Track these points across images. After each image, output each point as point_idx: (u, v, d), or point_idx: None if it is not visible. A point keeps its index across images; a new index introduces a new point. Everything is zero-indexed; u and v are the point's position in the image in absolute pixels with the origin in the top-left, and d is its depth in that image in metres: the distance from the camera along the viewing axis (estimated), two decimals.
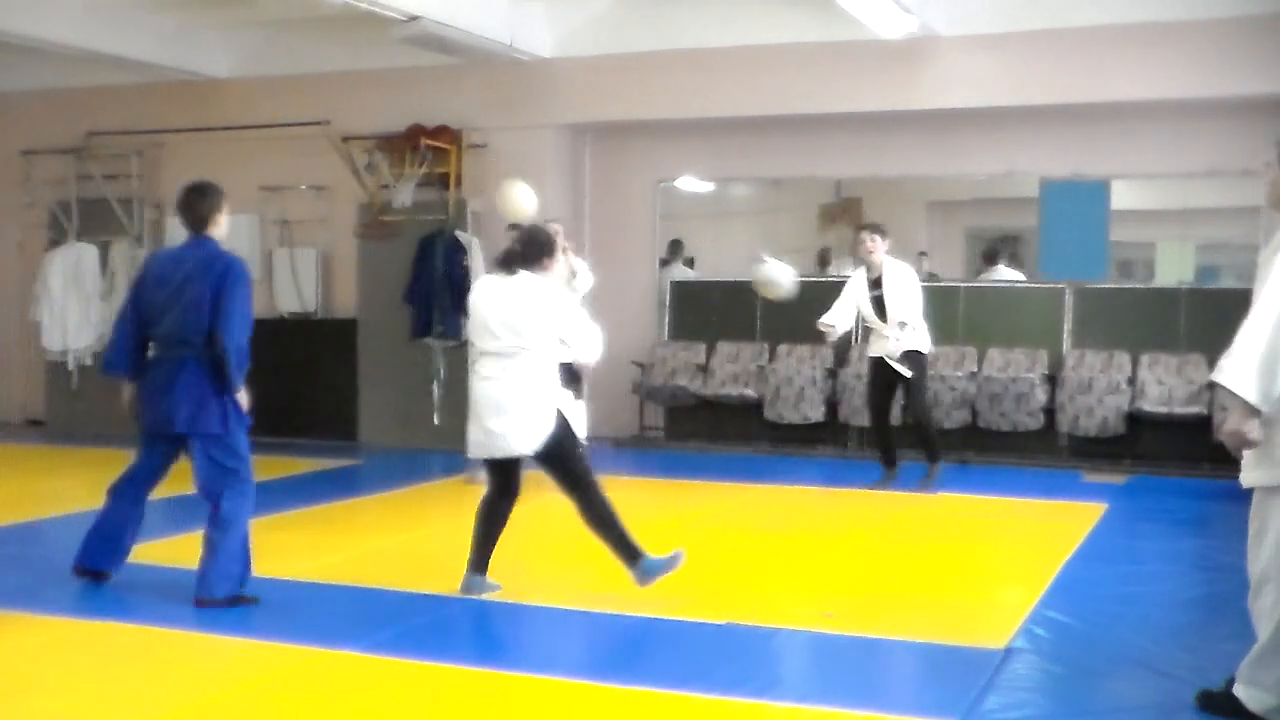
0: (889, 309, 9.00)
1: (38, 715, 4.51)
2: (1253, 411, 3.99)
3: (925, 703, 4.56)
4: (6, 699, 4.63)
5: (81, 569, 6.17)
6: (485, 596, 5.94)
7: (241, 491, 5.86)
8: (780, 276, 8.39)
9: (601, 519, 5.86)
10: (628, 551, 5.84)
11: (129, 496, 6.15)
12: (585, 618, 5.79)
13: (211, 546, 5.80)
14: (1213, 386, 10.09)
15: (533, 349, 5.76)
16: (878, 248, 9.07)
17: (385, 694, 4.69)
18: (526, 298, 5.79)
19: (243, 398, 5.79)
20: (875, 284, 9.09)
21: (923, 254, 11.72)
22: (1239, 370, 4.00)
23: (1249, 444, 4.04)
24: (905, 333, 8.99)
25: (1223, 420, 9.81)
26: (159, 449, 6.03)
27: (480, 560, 5.98)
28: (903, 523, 8.18)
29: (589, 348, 6.04)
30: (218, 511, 5.81)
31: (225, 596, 5.74)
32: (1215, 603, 5.90)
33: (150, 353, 5.95)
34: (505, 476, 5.99)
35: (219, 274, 5.72)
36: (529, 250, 5.91)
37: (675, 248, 12.43)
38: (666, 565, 5.88)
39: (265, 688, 4.78)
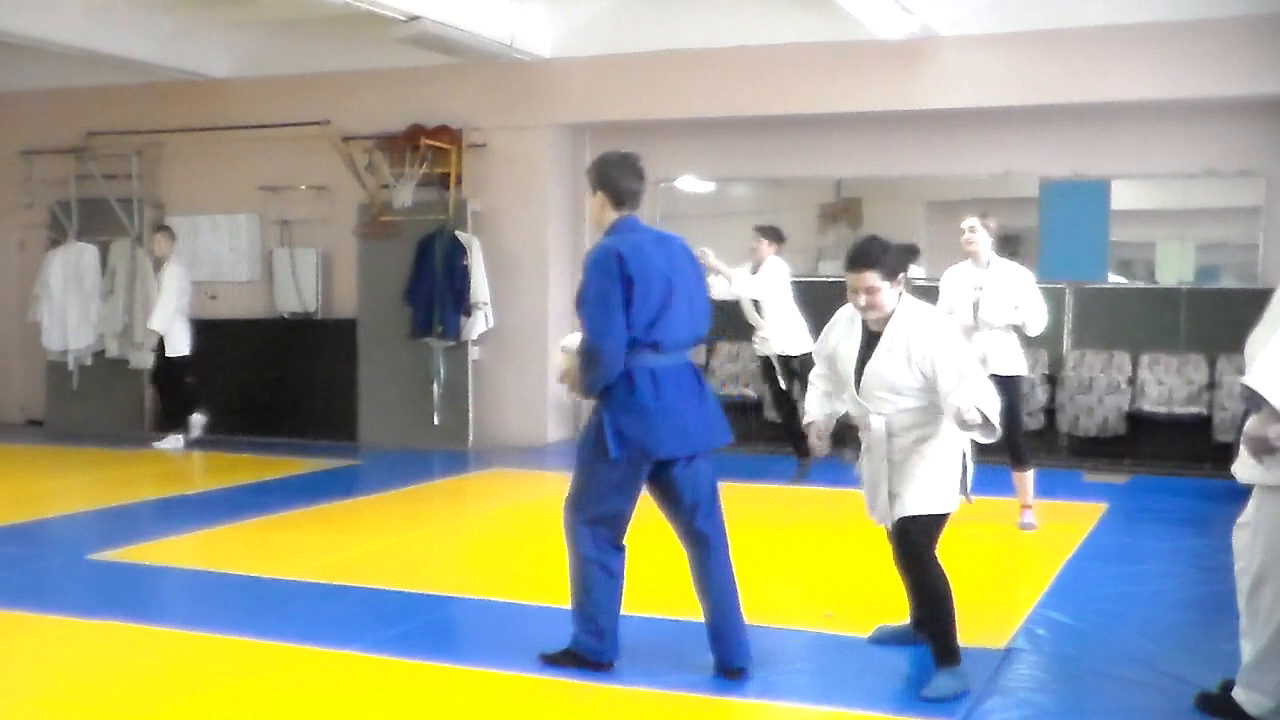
0: (761, 307, 9.64)
1: (38, 715, 4.51)
2: (1278, 417, 3.85)
3: (925, 703, 4.56)
4: (6, 699, 4.63)
5: None
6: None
7: None
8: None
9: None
10: None
11: None
12: None
13: None
14: (1213, 387, 10.12)
15: None
16: (762, 246, 9.74)
17: (385, 694, 4.69)
18: None
19: None
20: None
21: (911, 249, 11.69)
22: (1271, 374, 3.86)
23: (1271, 450, 3.90)
24: (768, 332, 9.62)
25: (1223, 421, 9.89)
26: None
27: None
28: None
29: None
30: None
31: None
32: (1215, 603, 5.89)
33: None
34: None
35: None
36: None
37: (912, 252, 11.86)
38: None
39: (265, 688, 4.78)
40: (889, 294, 4.66)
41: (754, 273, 9.71)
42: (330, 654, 5.13)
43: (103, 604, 5.94)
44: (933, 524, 4.77)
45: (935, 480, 4.72)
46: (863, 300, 4.66)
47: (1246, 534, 4.26)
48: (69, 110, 13.02)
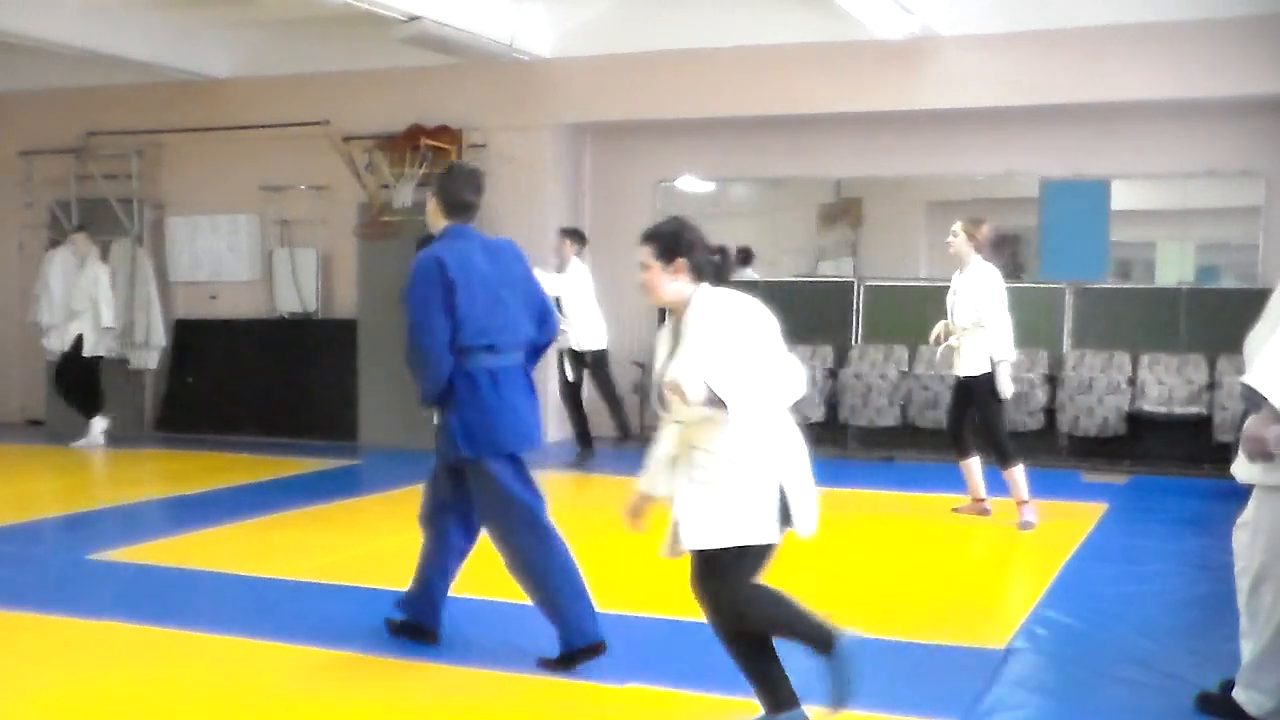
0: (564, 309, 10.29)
1: (38, 715, 4.51)
2: (1278, 417, 3.81)
3: (925, 703, 4.56)
4: (6, 699, 4.63)
5: None
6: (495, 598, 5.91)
7: None
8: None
9: None
10: None
11: None
12: None
13: None
14: (1213, 387, 10.11)
15: None
16: (565, 247, 10.55)
17: (385, 694, 4.69)
18: None
19: None
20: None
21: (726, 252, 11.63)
22: (1271, 373, 3.82)
23: (1267, 452, 3.85)
24: (567, 326, 10.09)
25: (1223, 421, 9.88)
26: None
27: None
28: (902, 523, 8.18)
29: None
30: None
31: None
32: (1215, 603, 5.89)
33: None
34: None
35: None
36: None
37: (745, 255, 11.79)
38: None
39: (266, 688, 4.78)
40: (662, 278, 4.10)
41: (559, 272, 10.41)
42: (330, 654, 5.13)
43: (103, 604, 5.93)
44: (725, 560, 4.01)
45: (722, 508, 3.99)
46: (640, 277, 4.23)
47: (1246, 534, 4.25)
48: (69, 110, 13.02)
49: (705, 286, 4.13)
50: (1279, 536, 4.15)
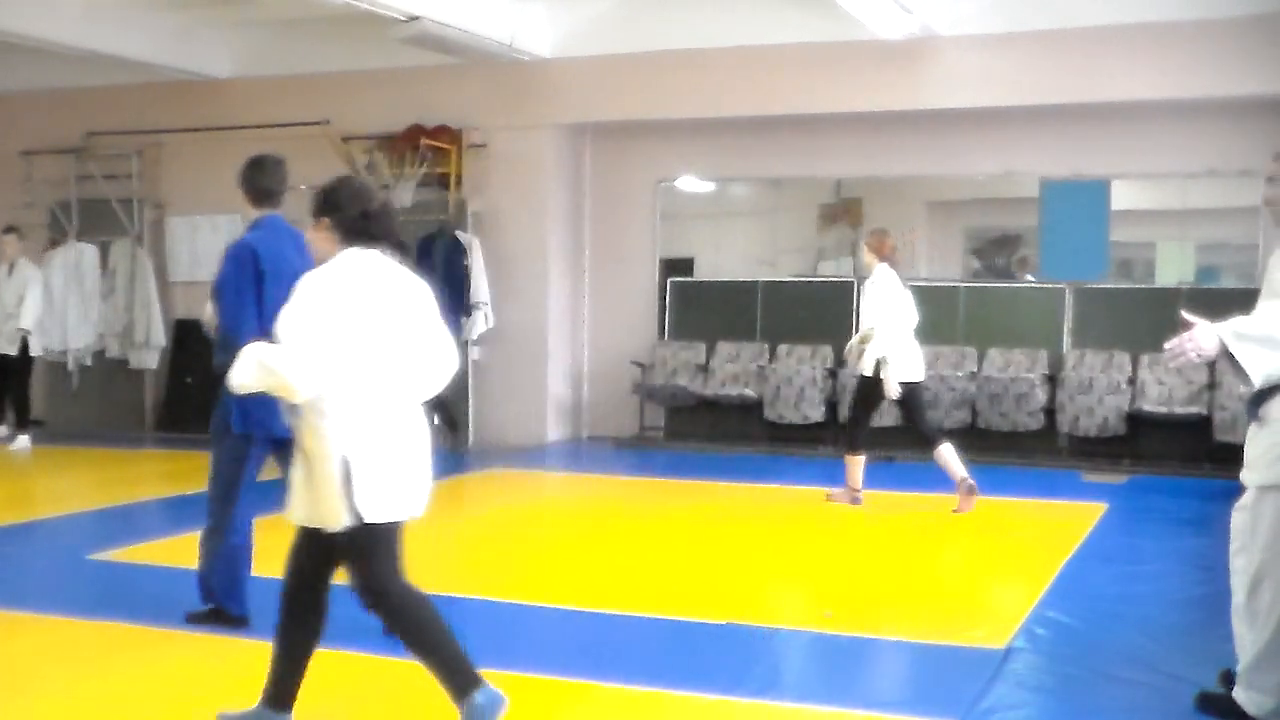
0: None
1: (38, 715, 4.51)
2: (1238, 370, 3.97)
3: (925, 703, 4.56)
4: (6, 699, 4.63)
5: None
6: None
7: None
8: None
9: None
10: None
11: None
12: (585, 617, 5.78)
13: None
14: (1213, 387, 10.11)
15: None
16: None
17: (385, 694, 4.69)
18: None
19: None
20: None
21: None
22: (1242, 323, 4.01)
23: (1181, 353, 4.00)
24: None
25: (1223, 421, 9.89)
26: None
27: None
28: (902, 522, 8.18)
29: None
30: None
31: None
32: (1215, 603, 5.88)
33: None
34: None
35: None
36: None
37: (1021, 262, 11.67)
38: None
39: None
40: (315, 235, 4.00)
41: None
42: (330, 654, 5.12)
43: (103, 604, 5.93)
44: (312, 543, 3.95)
45: (311, 487, 3.92)
46: None
47: (1246, 517, 4.25)
48: (69, 110, 13.02)
49: (352, 250, 3.94)
50: (1277, 536, 4.16)
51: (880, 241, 8.58)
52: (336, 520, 3.85)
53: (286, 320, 3.80)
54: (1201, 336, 3.98)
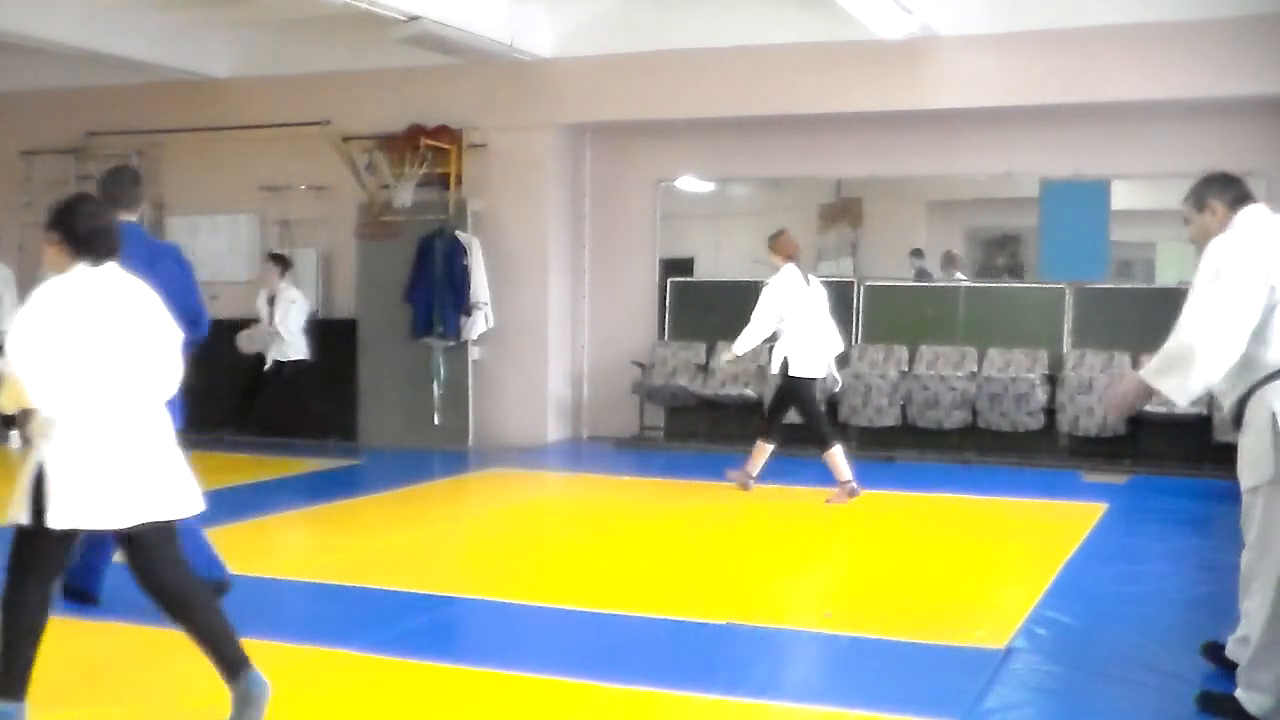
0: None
1: (37, 715, 4.51)
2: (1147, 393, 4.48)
3: (925, 703, 4.56)
4: None
5: None
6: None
7: None
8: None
9: None
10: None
11: None
12: (585, 617, 5.78)
13: None
14: None
15: None
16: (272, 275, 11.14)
17: (385, 694, 4.69)
18: None
19: None
20: None
21: (917, 251, 11.73)
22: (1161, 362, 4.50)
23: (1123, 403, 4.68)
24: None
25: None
26: None
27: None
28: (902, 523, 8.19)
29: None
30: None
31: None
32: (1215, 603, 5.89)
33: None
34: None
35: None
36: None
37: (948, 259, 11.74)
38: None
39: None
40: (49, 250, 4.15)
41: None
42: (330, 654, 5.13)
43: (103, 604, 5.92)
44: (21, 541, 4.05)
45: (21, 488, 4.02)
46: None
47: (1242, 518, 4.37)
48: (69, 110, 13.02)
49: (81, 265, 4.07)
50: (1268, 534, 4.18)
51: (779, 242, 9.05)
52: (15, 516, 4.01)
53: (14, 336, 3.92)
54: (1123, 387, 4.63)
